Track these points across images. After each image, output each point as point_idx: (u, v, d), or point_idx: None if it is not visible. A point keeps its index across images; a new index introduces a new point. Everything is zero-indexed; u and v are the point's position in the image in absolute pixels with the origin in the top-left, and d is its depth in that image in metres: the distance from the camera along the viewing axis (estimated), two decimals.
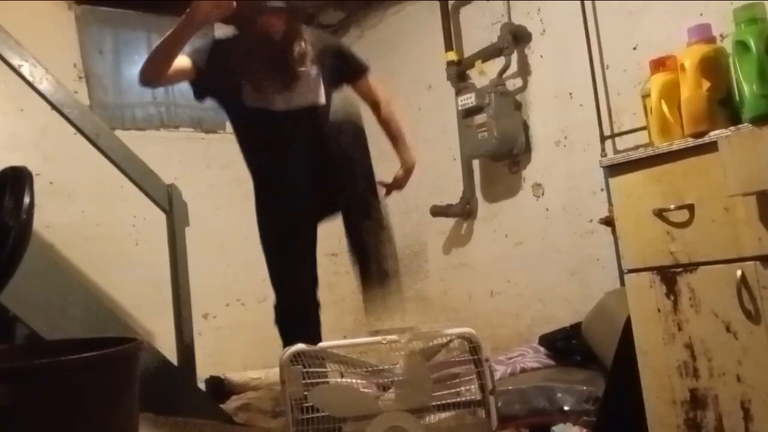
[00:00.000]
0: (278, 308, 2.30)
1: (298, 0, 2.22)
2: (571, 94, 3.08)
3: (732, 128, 1.67)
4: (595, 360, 2.57)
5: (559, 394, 2.42)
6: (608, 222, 2.63)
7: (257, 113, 2.24)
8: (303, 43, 2.24)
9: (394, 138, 2.51)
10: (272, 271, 2.31)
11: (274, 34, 2.18)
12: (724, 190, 1.66)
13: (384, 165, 2.44)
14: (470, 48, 3.54)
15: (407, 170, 2.50)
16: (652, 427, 1.88)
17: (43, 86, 2.60)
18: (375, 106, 2.49)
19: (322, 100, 2.29)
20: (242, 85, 2.23)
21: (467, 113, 3.28)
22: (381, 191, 2.37)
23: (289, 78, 2.22)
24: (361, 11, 4.26)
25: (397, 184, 2.50)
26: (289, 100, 2.23)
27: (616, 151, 2.82)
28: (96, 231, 3.57)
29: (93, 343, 1.39)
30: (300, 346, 1.62)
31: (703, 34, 1.85)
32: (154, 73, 2.14)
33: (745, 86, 1.67)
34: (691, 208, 1.78)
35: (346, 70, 2.41)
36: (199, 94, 2.30)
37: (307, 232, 2.34)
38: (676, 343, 1.83)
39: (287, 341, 2.11)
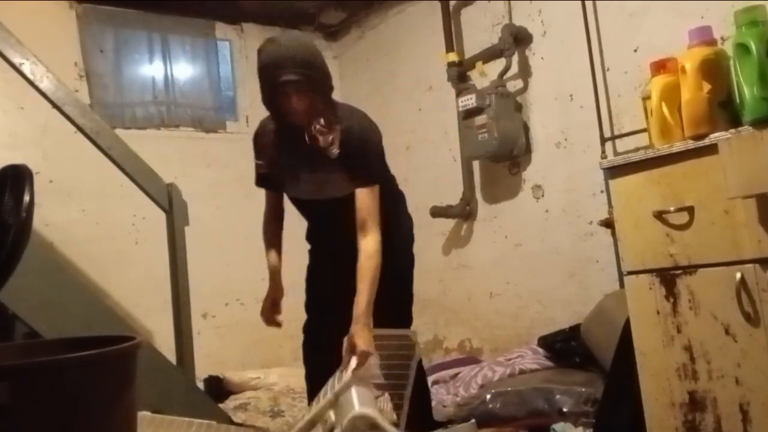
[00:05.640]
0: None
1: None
2: (571, 95, 3.08)
3: (732, 131, 1.67)
4: (594, 362, 2.57)
5: (557, 396, 2.42)
6: (608, 224, 2.63)
7: (295, 200, 2.29)
8: (322, 121, 2.09)
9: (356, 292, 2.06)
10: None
11: (299, 120, 2.09)
12: (724, 193, 1.66)
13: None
14: (471, 49, 3.54)
15: (353, 350, 2.01)
16: (650, 429, 1.88)
17: (44, 84, 2.61)
18: (361, 229, 2.09)
19: (340, 194, 2.15)
20: (283, 177, 2.25)
21: (468, 114, 3.28)
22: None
23: (312, 166, 2.16)
24: (363, 12, 4.26)
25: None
26: (313, 191, 2.20)
27: (616, 153, 2.82)
28: (96, 230, 3.57)
29: (92, 341, 1.38)
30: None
31: (703, 36, 1.85)
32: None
33: (746, 89, 1.67)
34: (690, 210, 1.78)
35: (351, 168, 2.13)
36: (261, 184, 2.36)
37: (341, 296, 2.25)
38: (675, 345, 1.83)
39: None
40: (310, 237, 2.42)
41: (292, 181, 2.23)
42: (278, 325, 2.29)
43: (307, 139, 2.10)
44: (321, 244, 2.38)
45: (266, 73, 2.04)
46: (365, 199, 2.11)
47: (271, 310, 2.29)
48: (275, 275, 2.31)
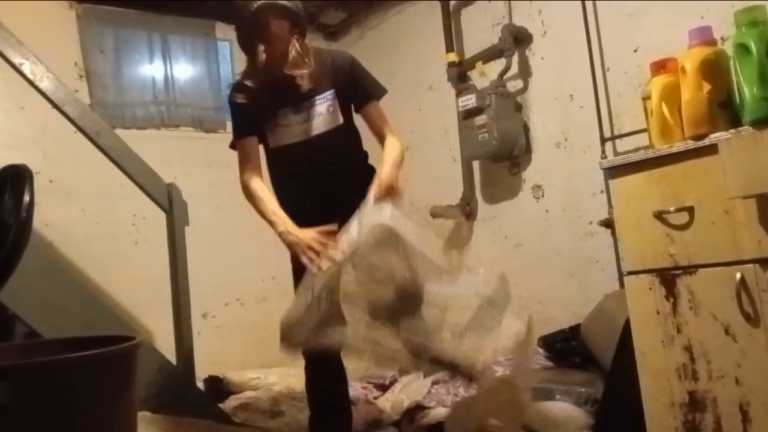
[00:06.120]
0: None
1: (300, 1, 2.16)
2: (571, 95, 3.08)
3: (732, 131, 1.67)
4: (594, 362, 2.57)
5: (558, 396, 2.42)
6: (608, 224, 2.63)
7: (278, 151, 2.21)
8: (299, 45, 2.08)
9: (386, 153, 2.16)
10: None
11: (278, 49, 2.04)
12: (724, 193, 1.66)
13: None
14: (471, 49, 3.54)
15: (381, 182, 2.01)
16: (650, 429, 1.88)
17: (44, 84, 2.60)
18: (381, 137, 2.24)
19: (330, 126, 2.17)
20: (264, 128, 2.17)
21: (468, 114, 3.28)
22: None
23: (295, 105, 2.12)
24: (363, 12, 4.26)
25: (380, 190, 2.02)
26: (302, 131, 2.14)
27: (616, 153, 2.82)
28: (96, 230, 3.57)
29: (92, 341, 1.39)
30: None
31: (703, 36, 1.85)
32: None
33: (746, 89, 1.67)
34: (690, 210, 1.78)
35: (356, 92, 2.21)
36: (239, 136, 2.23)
37: None
38: (675, 346, 1.83)
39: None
40: (290, 204, 2.20)
41: (276, 128, 2.15)
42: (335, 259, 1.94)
43: (287, 70, 2.05)
44: (303, 212, 2.15)
45: (244, 9, 2.02)
46: (376, 112, 2.22)
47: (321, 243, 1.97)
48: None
